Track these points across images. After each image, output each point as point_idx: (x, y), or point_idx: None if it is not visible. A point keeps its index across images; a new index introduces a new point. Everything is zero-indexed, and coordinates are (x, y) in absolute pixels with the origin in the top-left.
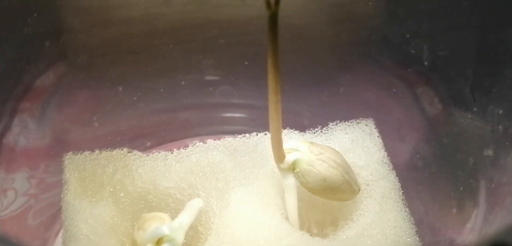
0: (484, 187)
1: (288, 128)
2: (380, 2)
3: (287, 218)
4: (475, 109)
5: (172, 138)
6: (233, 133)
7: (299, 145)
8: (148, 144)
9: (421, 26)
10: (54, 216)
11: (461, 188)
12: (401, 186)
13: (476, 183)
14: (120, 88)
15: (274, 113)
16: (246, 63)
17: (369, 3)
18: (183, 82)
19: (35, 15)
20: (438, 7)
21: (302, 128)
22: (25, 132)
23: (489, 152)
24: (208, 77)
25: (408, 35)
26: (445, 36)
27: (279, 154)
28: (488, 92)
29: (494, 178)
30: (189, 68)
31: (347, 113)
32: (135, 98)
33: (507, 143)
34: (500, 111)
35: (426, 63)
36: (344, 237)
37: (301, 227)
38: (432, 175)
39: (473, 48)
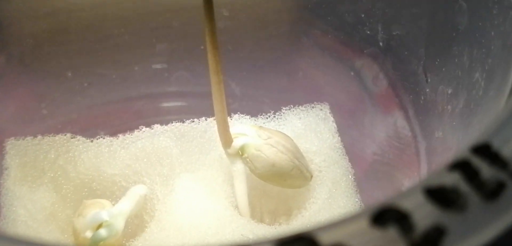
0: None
1: (239, 113)
2: None
3: (236, 207)
4: (427, 90)
5: (125, 127)
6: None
7: (247, 129)
8: (101, 132)
9: (375, 5)
10: None
11: (416, 173)
12: (355, 172)
13: (428, 166)
14: (70, 74)
15: (217, 95)
16: (202, 47)
17: None
18: (136, 68)
19: None
20: None
21: (256, 112)
22: None
23: (439, 134)
24: (161, 65)
25: (362, 15)
26: (398, 15)
27: (225, 138)
28: (439, 72)
29: (441, 157)
30: (141, 52)
31: (305, 98)
32: (85, 84)
33: (454, 123)
34: (449, 91)
35: (381, 44)
36: (297, 224)
37: (253, 216)
38: (387, 160)
39: (424, 26)
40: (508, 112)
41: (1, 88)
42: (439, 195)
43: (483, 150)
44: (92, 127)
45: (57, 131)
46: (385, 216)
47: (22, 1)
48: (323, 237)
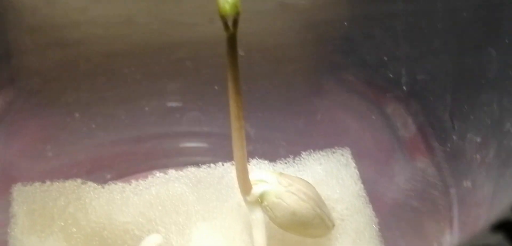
0: (458, 217)
1: (257, 157)
2: (356, 24)
3: None
4: (454, 137)
5: (134, 170)
6: (201, 163)
7: (267, 176)
8: (108, 176)
9: (398, 48)
10: None
11: (442, 223)
12: (379, 222)
13: (451, 214)
14: (77, 115)
15: (237, 141)
16: (216, 87)
17: (345, 23)
18: (146, 108)
19: None
20: (415, 28)
21: (275, 156)
22: None
23: (467, 183)
24: (174, 103)
25: (385, 58)
26: (423, 59)
27: (244, 185)
28: (466, 119)
29: (469, 209)
30: (153, 93)
31: (324, 141)
32: (93, 125)
33: (484, 173)
34: (478, 140)
35: (405, 88)
36: None
37: None
38: (413, 208)
39: (450, 72)
40: None
41: (8, 124)
42: None
43: None
44: (99, 169)
45: (62, 173)
46: None
47: (32, 33)
48: None
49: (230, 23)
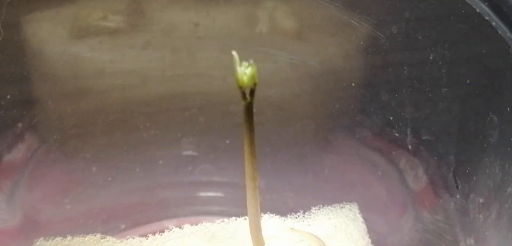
0: None
1: (268, 212)
2: (362, 82)
3: None
4: (458, 196)
5: (147, 219)
6: (213, 213)
7: (279, 232)
8: (123, 226)
9: (404, 110)
10: None
11: None
12: None
13: None
14: (94, 169)
15: (252, 200)
16: (227, 141)
17: (352, 84)
18: (160, 161)
19: (8, 95)
20: (420, 92)
21: (286, 209)
22: None
23: (470, 241)
24: (186, 154)
25: (391, 118)
26: (427, 121)
27: (257, 242)
28: (470, 179)
29: None
30: (166, 145)
31: (332, 195)
32: (109, 178)
33: (486, 233)
34: (481, 200)
35: (410, 147)
36: None
37: None
38: None
39: (454, 135)
40: None
41: (32, 169)
42: None
43: None
44: (114, 219)
45: (79, 224)
46: None
47: (54, 83)
48: None
49: (247, 93)
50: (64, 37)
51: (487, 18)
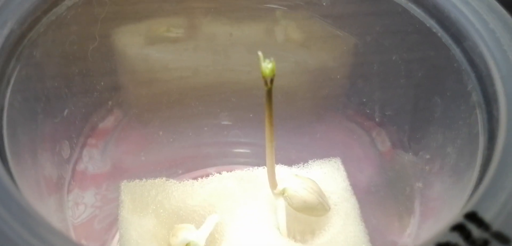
0: (418, 206)
1: (280, 163)
2: (345, 74)
3: (278, 228)
4: (410, 153)
5: (196, 167)
6: (241, 164)
7: (287, 177)
8: (180, 172)
9: (373, 94)
10: (111, 223)
11: (401, 208)
12: (359, 206)
13: (411, 204)
14: (161, 133)
15: (269, 155)
16: (251, 115)
17: (338, 76)
18: (205, 128)
19: (102, 82)
20: (384, 80)
21: (290, 162)
22: (92, 161)
23: (419, 184)
24: (223, 123)
25: (364, 99)
26: (390, 102)
27: (273, 183)
28: (419, 142)
29: (423, 201)
30: (209, 117)
31: (322, 152)
32: (171, 139)
33: (431, 179)
34: (427, 156)
35: (377, 119)
36: (318, 242)
37: (288, 235)
38: (382, 197)
39: (409, 111)
40: (485, 187)
41: (118, 133)
42: None
43: (472, 216)
44: (174, 167)
45: (150, 170)
46: None
47: (133, 74)
48: None
49: (268, 82)
50: (141, 43)
51: (434, 30)
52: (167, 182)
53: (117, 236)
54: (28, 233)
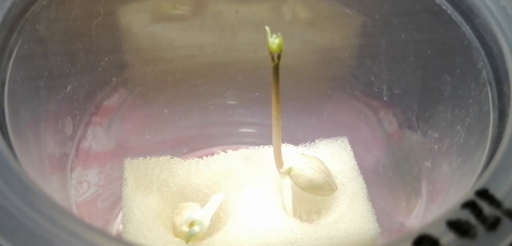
0: (425, 187)
1: (286, 142)
2: (353, 54)
3: (284, 208)
4: (419, 132)
5: (202, 146)
6: (247, 144)
7: (293, 156)
8: (185, 151)
9: (381, 73)
10: (115, 202)
11: (409, 188)
12: (367, 186)
13: (419, 185)
14: (166, 111)
15: (276, 133)
16: (257, 94)
17: (346, 54)
18: (211, 107)
19: (110, 55)
20: (393, 59)
21: (297, 141)
22: (96, 139)
23: (427, 164)
24: (229, 103)
25: (372, 78)
26: (398, 80)
27: (279, 162)
28: (428, 121)
29: (431, 181)
30: (215, 96)
31: (329, 131)
32: (176, 118)
33: (439, 158)
34: (436, 135)
35: (385, 98)
36: (324, 222)
37: (294, 214)
38: (389, 178)
39: (418, 90)
40: (497, 164)
41: (123, 111)
42: (457, 226)
43: (484, 194)
44: (179, 146)
45: (155, 149)
46: (423, 241)
47: (138, 53)
48: None
49: (275, 57)
50: (146, 21)
51: (444, 7)
52: (171, 160)
53: (120, 215)
54: (29, 208)
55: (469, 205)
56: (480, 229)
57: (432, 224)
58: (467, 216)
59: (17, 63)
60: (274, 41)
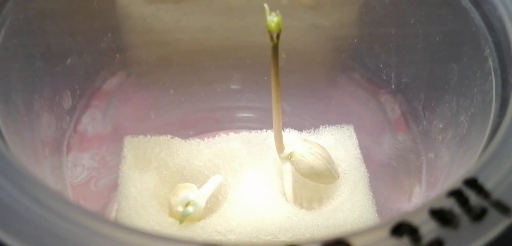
0: (427, 178)
1: (290, 127)
2: (362, 40)
3: (284, 194)
4: (424, 122)
5: (208, 129)
6: (250, 128)
7: (295, 141)
8: (191, 133)
9: (390, 59)
10: (114, 185)
11: (412, 179)
12: (370, 176)
13: (422, 176)
14: (171, 91)
15: (276, 116)
16: (266, 78)
17: (355, 40)
18: (218, 90)
19: (109, 34)
20: (402, 47)
21: (303, 127)
22: (93, 122)
23: (431, 155)
24: (236, 87)
25: (381, 65)
26: (407, 68)
27: (279, 146)
28: (434, 111)
29: (432, 172)
30: (223, 79)
31: (335, 118)
32: (182, 99)
33: (443, 149)
34: (440, 125)
35: (393, 86)
36: (325, 210)
37: (295, 202)
38: (394, 168)
39: (425, 78)
40: (490, 154)
41: (121, 95)
42: (440, 215)
43: (472, 183)
44: (185, 128)
45: (160, 130)
46: (401, 228)
47: (140, 34)
48: (355, 241)
49: (274, 36)
50: (142, 1)
51: None
52: (172, 139)
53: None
54: (18, 191)
55: (455, 193)
56: (464, 219)
57: (414, 212)
58: (452, 205)
59: (11, 32)
60: (273, 19)
